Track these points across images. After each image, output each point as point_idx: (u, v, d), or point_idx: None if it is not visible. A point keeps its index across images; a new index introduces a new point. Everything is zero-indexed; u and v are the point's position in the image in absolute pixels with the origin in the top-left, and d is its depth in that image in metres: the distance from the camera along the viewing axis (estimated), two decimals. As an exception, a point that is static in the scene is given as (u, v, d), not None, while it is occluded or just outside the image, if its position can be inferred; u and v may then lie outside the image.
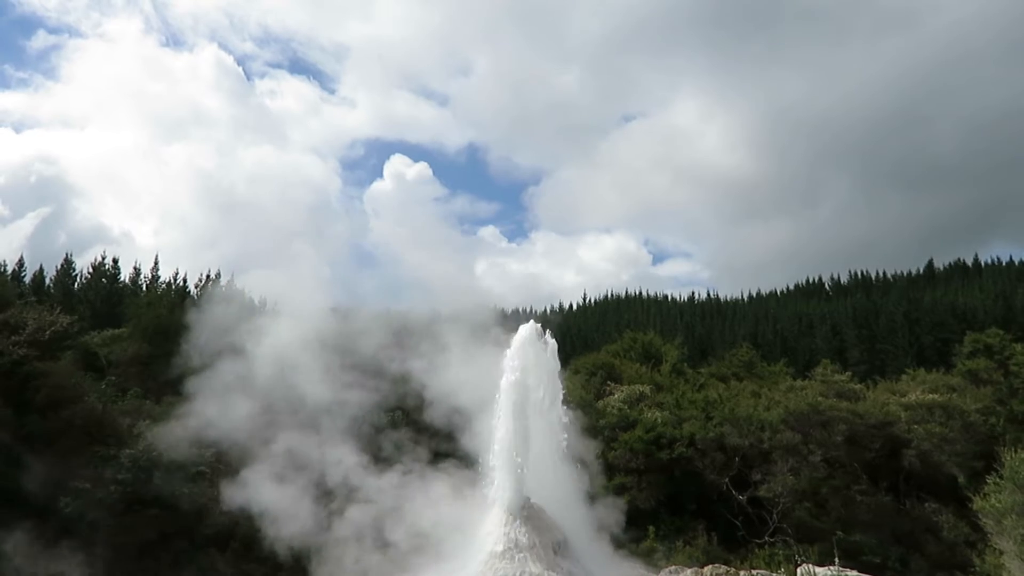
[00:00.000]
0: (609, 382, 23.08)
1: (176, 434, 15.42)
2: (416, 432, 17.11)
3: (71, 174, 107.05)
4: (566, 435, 15.02)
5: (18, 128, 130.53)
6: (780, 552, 16.34)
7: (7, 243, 59.78)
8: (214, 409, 15.58)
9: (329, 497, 15.18)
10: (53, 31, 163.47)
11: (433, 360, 16.64)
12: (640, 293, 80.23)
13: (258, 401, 15.84)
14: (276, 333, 16.69)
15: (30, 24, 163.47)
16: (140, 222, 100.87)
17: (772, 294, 76.39)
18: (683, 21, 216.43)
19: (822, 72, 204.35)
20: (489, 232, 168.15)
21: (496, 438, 14.21)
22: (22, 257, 35.77)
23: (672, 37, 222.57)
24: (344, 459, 15.61)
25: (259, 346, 16.34)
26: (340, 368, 16.78)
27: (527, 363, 14.98)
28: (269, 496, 14.69)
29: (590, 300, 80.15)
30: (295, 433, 15.78)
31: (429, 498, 14.75)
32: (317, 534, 14.56)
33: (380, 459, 16.11)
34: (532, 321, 16.30)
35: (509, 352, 15.18)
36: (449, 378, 16.11)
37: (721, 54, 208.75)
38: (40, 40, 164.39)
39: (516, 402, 14.28)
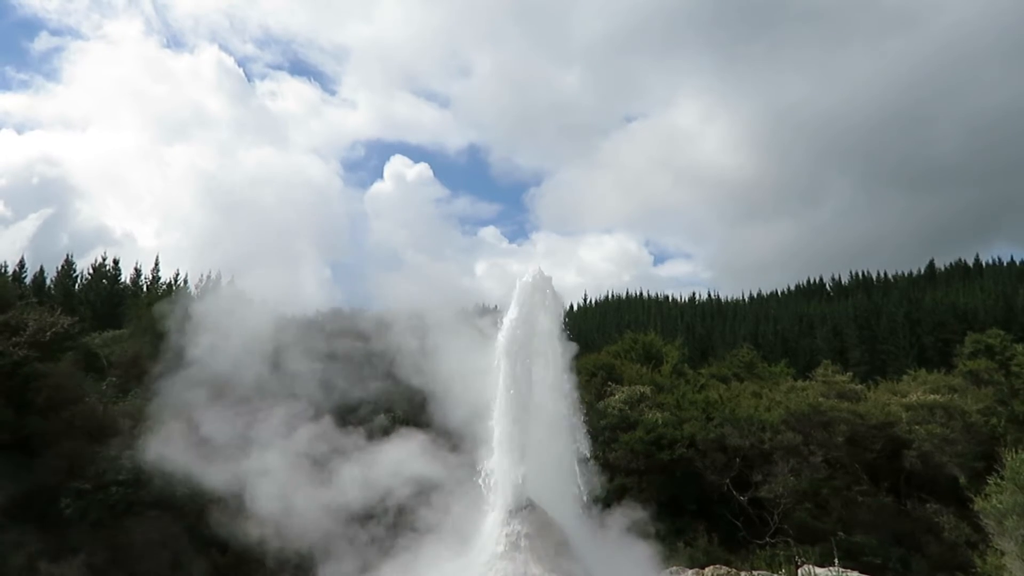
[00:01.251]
0: (609, 383, 23.06)
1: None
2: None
3: (73, 175, 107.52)
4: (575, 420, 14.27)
5: (20, 129, 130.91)
6: (781, 553, 16.34)
7: (9, 244, 60.01)
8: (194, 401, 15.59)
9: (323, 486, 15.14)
10: (54, 33, 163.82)
11: (420, 356, 16.52)
12: (641, 294, 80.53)
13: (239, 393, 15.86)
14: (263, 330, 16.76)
15: (31, 26, 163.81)
16: (142, 223, 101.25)
17: (773, 295, 76.58)
18: (685, 22, 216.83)
19: (824, 73, 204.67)
20: (490, 233, 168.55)
21: (494, 432, 13.75)
22: (23, 258, 35.83)
23: (674, 38, 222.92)
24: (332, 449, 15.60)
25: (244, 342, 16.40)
26: (322, 364, 16.83)
27: (529, 321, 13.84)
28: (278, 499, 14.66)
29: (591, 301, 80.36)
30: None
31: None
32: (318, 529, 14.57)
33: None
34: (539, 268, 14.63)
35: (513, 301, 14.10)
36: (438, 374, 15.86)
37: (723, 55, 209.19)
38: (41, 42, 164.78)
39: (516, 370, 13.36)
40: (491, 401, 14.17)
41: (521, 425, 13.53)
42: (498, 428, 13.77)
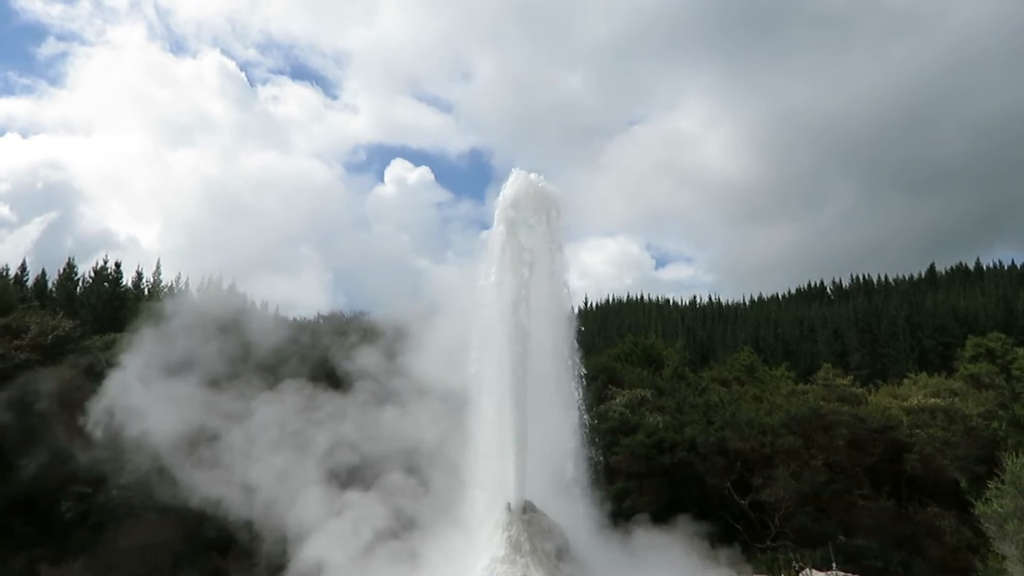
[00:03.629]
0: (610, 386, 23.03)
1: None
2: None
3: (77, 179, 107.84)
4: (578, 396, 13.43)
5: (25, 134, 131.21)
6: (781, 557, 16.31)
7: (14, 247, 60.22)
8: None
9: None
10: (58, 38, 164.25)
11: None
12: (641, 297, 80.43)
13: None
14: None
15: (35, 31, 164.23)
16: (146, 227, 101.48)
17: (774, 298, 76.52)
18: (689, 25, 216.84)
19: (827, 76, 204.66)
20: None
21: (485, 424, 13.29)
22: (24, 261, 35.85)
23: (678, 41, 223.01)
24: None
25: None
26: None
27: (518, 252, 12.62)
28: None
29: (592, 304, 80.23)
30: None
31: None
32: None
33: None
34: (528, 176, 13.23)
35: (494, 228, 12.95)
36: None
37: (726, 58, 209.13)
38: (44, 47, 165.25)
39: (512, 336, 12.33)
40: (478, 386, 13.63)
41: (521, 417, 13.06)
42: (492, 420, 13.35)
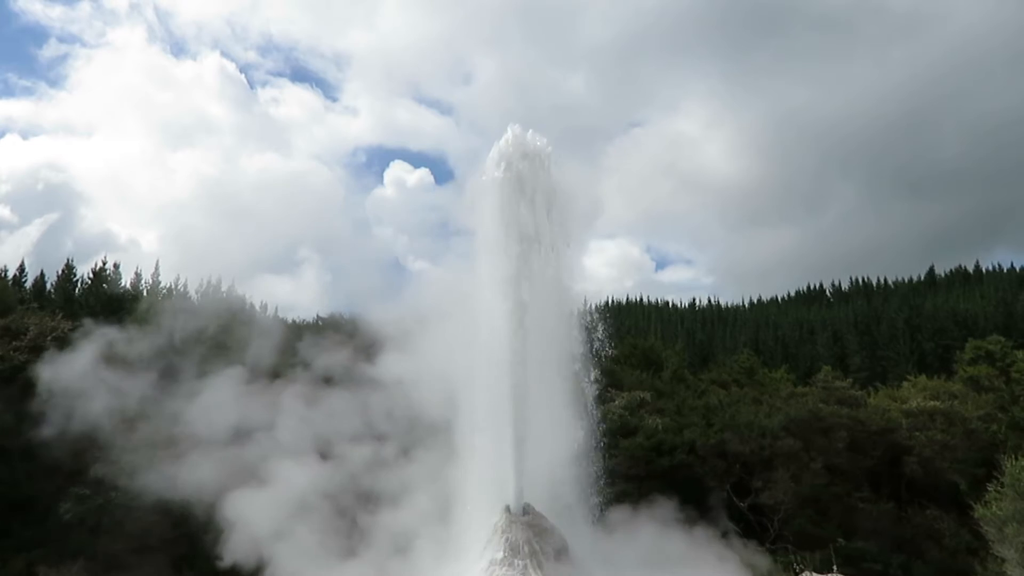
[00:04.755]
0: (609, 388, 23.04)
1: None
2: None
3: (78, 181, 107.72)
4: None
5: (25, 135, 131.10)
6: (780, 560, 16.31)
7: (15, 249, 60.35)
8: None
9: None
10: (58, 40, 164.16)
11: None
12: (641, 299, 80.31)
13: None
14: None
15: (35, 33, 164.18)
16: (146, 229, 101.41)
17: (773, 300, 76.51)
18: (690, 28, 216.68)
19: (828, 79, 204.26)
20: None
21: (479, 420, 13.02)
22: (23, 262, 35.78)
23: (679, 44, 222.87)
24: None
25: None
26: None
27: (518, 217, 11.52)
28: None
29: (591, 306, 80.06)
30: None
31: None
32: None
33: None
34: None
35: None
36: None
37: (727, 61, 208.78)
38: (45, 49, 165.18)
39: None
40: (475, 384, 13.35)
41: (520, 417, 12.77)
42: (490, 420, 13.14)
